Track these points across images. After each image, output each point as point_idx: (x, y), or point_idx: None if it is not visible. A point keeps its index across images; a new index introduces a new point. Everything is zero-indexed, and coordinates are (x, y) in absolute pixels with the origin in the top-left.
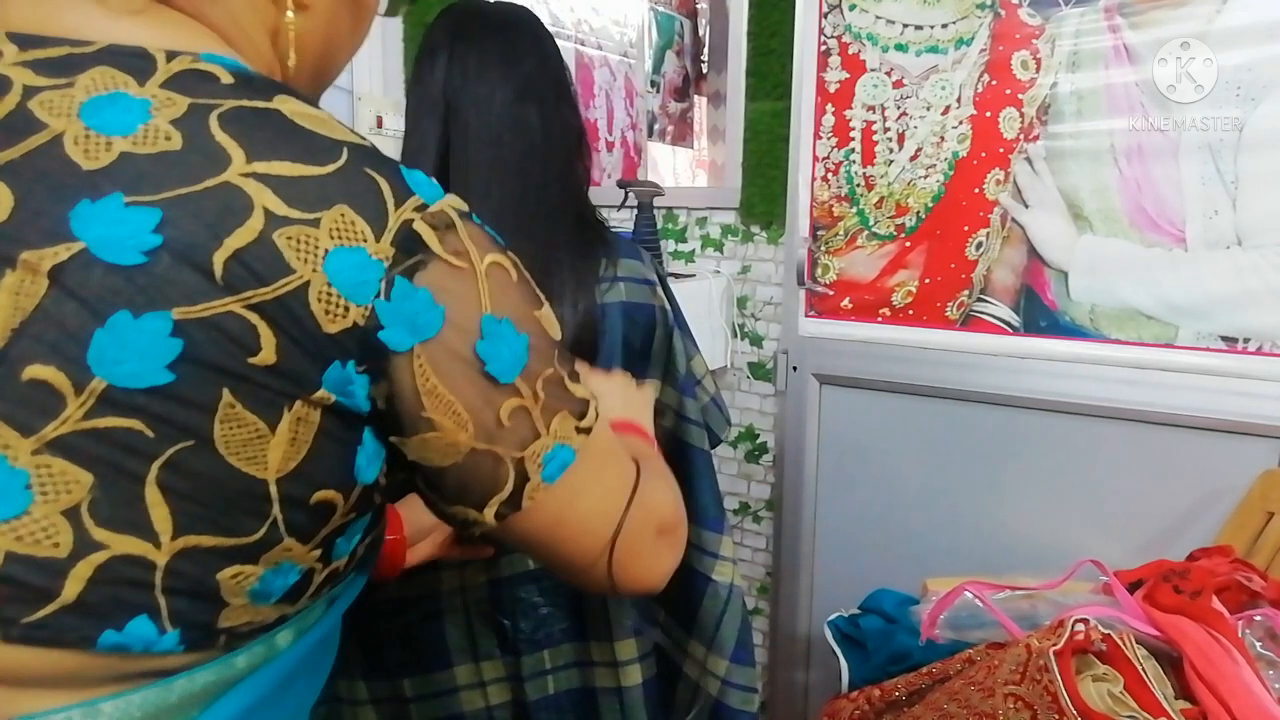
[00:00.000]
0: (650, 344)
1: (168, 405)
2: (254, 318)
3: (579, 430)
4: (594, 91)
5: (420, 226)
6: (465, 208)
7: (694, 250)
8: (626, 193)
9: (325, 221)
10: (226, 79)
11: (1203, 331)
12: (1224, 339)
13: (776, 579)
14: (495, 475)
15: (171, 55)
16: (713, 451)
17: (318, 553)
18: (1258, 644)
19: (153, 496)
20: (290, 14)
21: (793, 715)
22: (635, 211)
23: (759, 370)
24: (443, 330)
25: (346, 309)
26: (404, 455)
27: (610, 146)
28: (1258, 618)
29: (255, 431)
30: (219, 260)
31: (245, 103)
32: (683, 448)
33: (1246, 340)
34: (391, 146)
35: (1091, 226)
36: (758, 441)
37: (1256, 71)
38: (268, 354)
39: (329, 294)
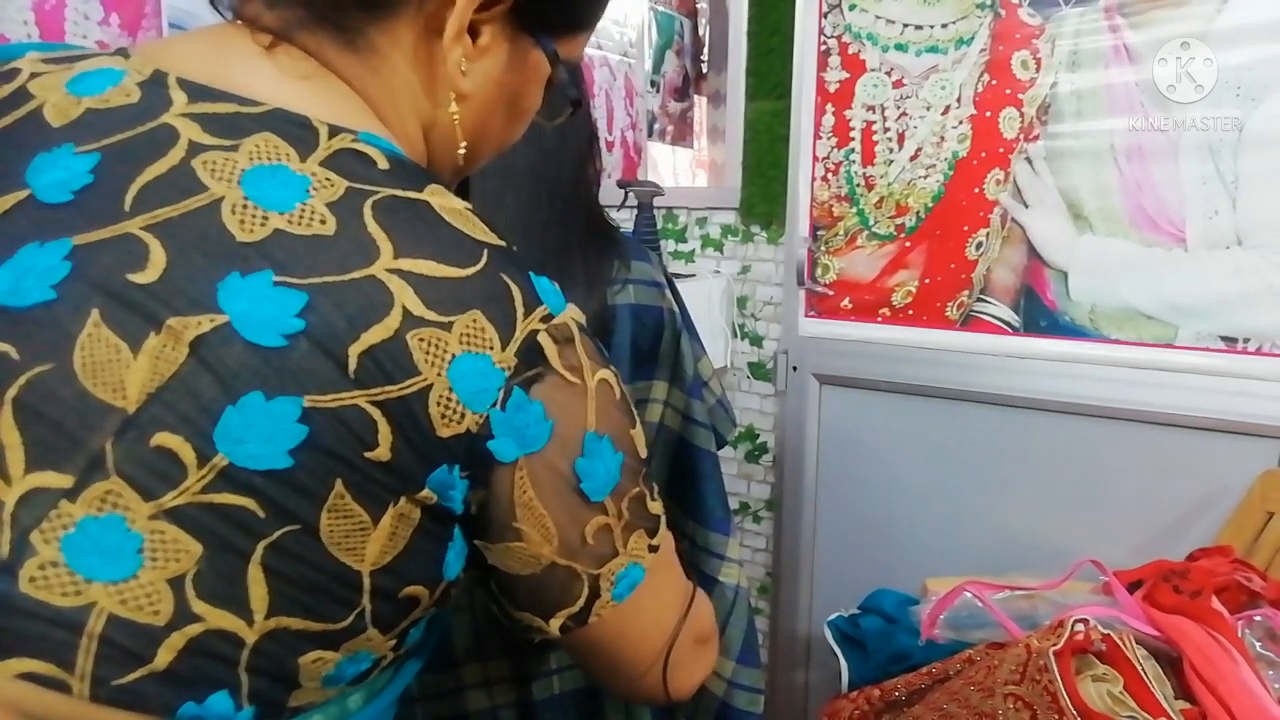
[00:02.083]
0: (658, 346)
1: (283, 489)
2: (376, 414)
3: (651, 548)
4: (594, 91)
5: (544, 339)
6: (584, 320)
7: (694, 250)
8: (626, 193)
9: (458, 326)
10: (383, 164)
11: (1203, 331)
12: (1224, 339)
13: (776, 579)
14: (570, 589)
15: (335, 131)
16: (717, 453)
17: (393, 643)
18: (1257, 644)
19: (254, 575)
20: (454, 106)
21: (793, 715)
22: (635, 211)
23: (759, 370)
24: (548, 444)
25: (463, 415)
26: (484, 558)
27: (610, 146)
28: (1257, 618)
29: (359, 524)
30: (354, 353)
31: (399, 192)
32: (689, 450)
33: (1246, 340)
34: None
35: (1091, 226)
36: (758, 441)
37: (1256, 71)
38: (383, 451)
39: (449, 399)
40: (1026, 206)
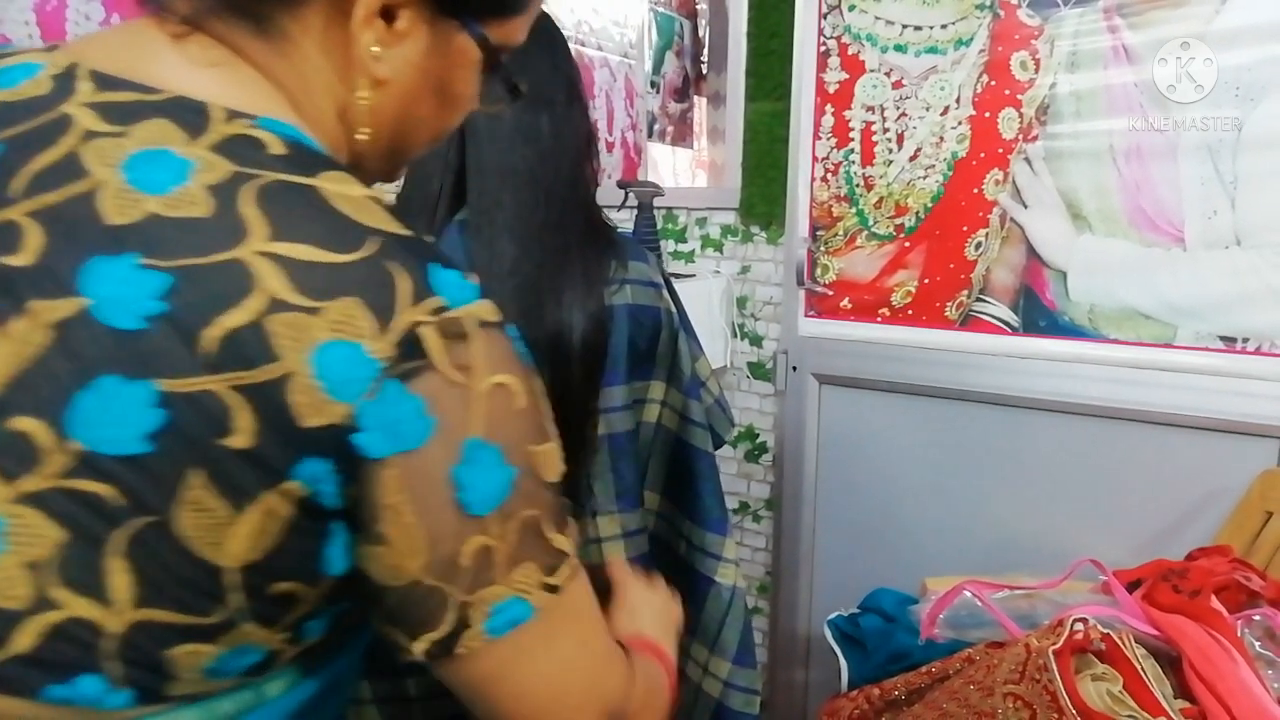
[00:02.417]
0: (656, 346)
1: (141, 477)
2: (235, 400)
3: (545, 587)
4: (594, 92)
5: (427, 331)
6: (495, 318)
7: (694, 250)
8: (626, 193)
9: (328, 312)
10: (277, 148)
11: (1201, 331)
12: (1223, 339)
13: (776, 578)
14: (434, 613)
15: (232, 115)
16: (714, 452)
17: (284, 636)
18: (1256, 643)
19: (116, 565)
20: (364, 90)
21: (792, 714)
22: (635, 212)
23: (759, 370)
24: (426, 444)
25: (328, 404)
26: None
27: (610, 147)
28: (1256, 617)
29: (221, 516)
30: (210, 337)
31: (286, 176)
32: (687, 450)
33: (1245, 340)
34: None
35: (1090, 226)
36: (758, 441)
37: (1256, 71)
38: (242, 438)
39: (312, 387)
40: (1025, 207)
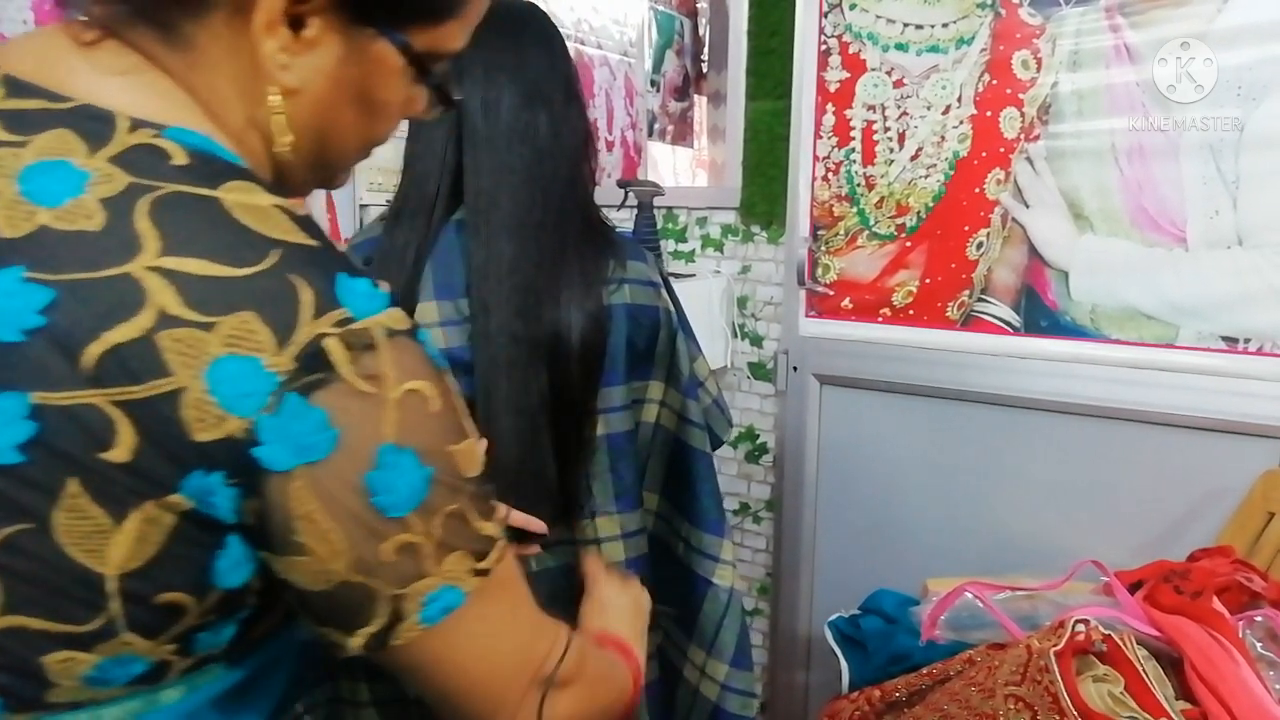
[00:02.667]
0: (654, 346)
1: (13, 485)
2: (116, 414)
3: (476, 572)
4: (594, 91)
5: (332, 343)
6: (404, 326)
7: (694, 250)
8: (626, 192)
9: (222, 327)
10: (180, 159)
11: (1203, 331)
12: (1225, 339)
13: (776, 579)
14: (368, 608)
15: (137, 125)
16: (713, 453)
17: (171, 647)
18: (1258, 644)
19: None
20: (274, 97)
21: (793, 716)
22: (635, 211)
23: (759, 370)
24: (333, 454)
25: (223, 419)
26: (274, 570)
27: (610, 146)
28: (1258, 618)
29: (97, 525)
30: (93, 352)
31: (186, 188)
32: (685, 450)
33: (1247, 340)
34: (392, 147)
35: (1092, 226)
36: (758, 442)
37: (1257, 71)
38: (121, 452)
39: (205, 402)
40: (1027, 206)
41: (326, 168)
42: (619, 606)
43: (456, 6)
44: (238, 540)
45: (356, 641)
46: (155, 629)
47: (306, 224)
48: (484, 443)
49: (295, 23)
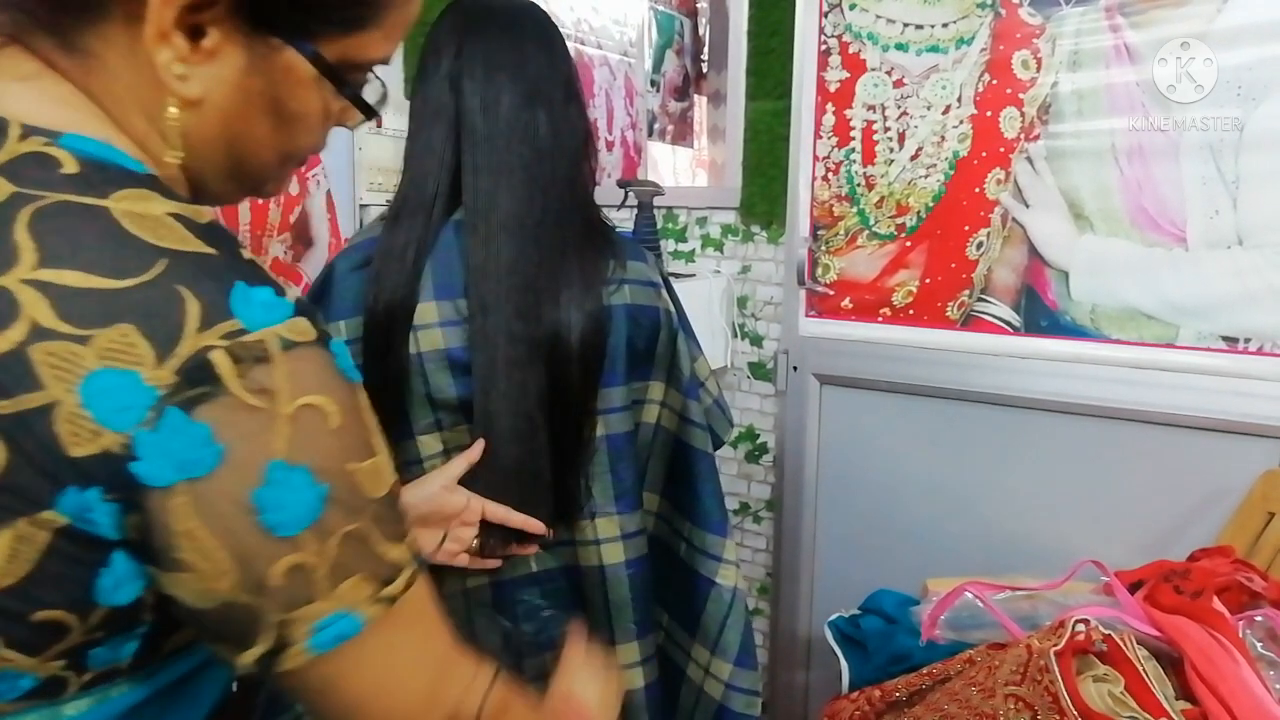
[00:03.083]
0: (654, 346)
1: None
2: None
3: (378, 599)
4: (594, 91)
5: (219, 356)
6: (305, 337)
7: (694, 250)
8: (626, 192)
9: (99, 340)
10: (70, 168)
11: (1203, 331)
12: (1225, 339)
13: (777, 579)
14: (251, 629)
15: (29, 132)
16: (714, 453)
17: (59, 664)
18: (1258, 644)
19: None
20: (171, 109)
21: (793, 715)
22: (635, 211)
23: (759, 370)
24: (217, 470)
25: (98, 434)
26: (160, 586)
27: (610, 146)
28: (1258, 618)
29: None
30: None
31: (73, 198)
32: (686, 451)
33: (1247, 340)
34: (392, 147)
35: (1092, 226)
36: (758, 442)
37: (1257, 71)
38: None
39: (79, 416)
40: (1027, 206)
41: (246, 178)
42: (590, 674)
43: (371, 16)
44: (123, 556)
45: (245, 661)
46: (36, 646)
47: (208, 231)
48: (388, 462)
49: (196, 32)
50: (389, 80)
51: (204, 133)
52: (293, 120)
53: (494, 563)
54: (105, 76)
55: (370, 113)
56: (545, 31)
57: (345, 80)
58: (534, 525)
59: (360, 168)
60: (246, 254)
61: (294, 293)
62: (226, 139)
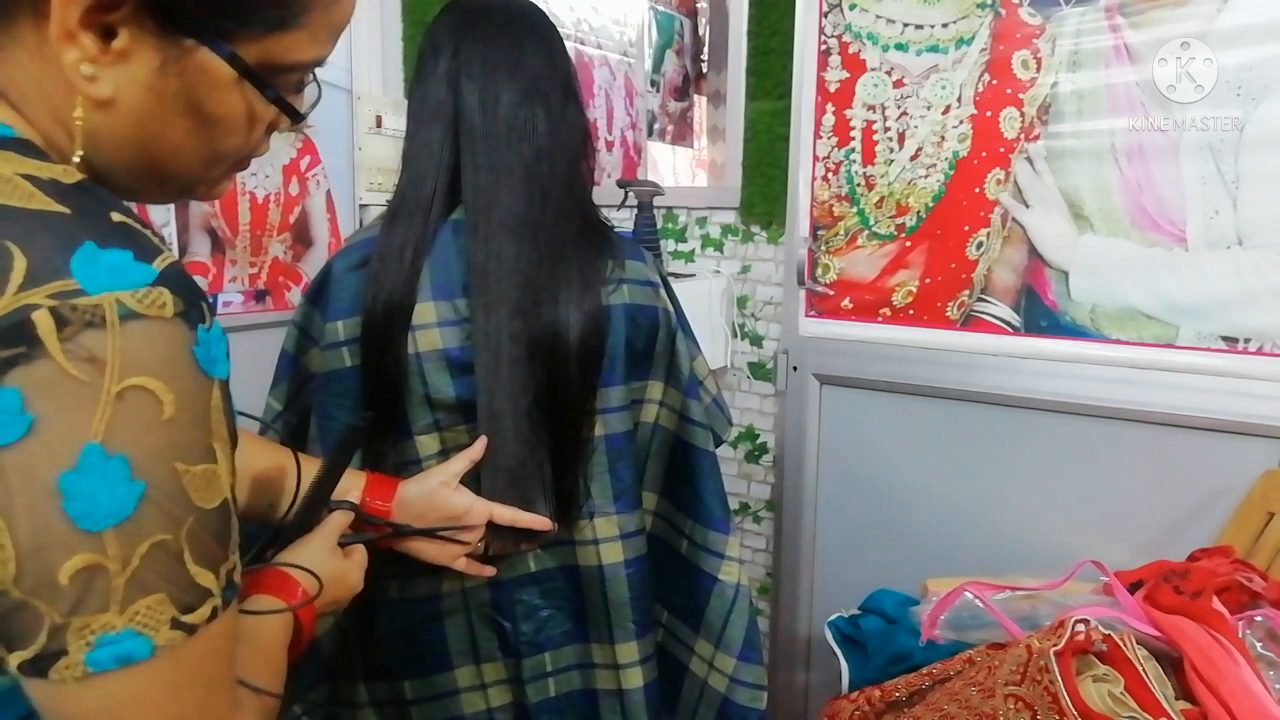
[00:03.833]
0: (653, 346)
1: None
2: None
3: (175, 624)
4: (594, 91)
5: (41, 316)
6: (155, 311)
7: (694, 250)
8: (626, 192)
9: None
10: None
11: (1203, 331)
12: (1225, 339)
13: (777, 579)
14: (26, 631)
15: None
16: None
17: None
18: (1258, 644)
19: None
20: (77, 111)
21: (793, 715)
22: (635, 211)
23: (759, 370)
24: (23, 442)
25: None
26: None
27: (610, 146)
28: (1258, 618)
29: None
30: None
31: None
32: (687, 449)
33: (1247, 340)
34: (392, 146)
35: (1092, 226)
36: (758, 441)
37: (1257, 71)
38: None
39: None
40: (1027, 206)
41: (168, 179)
42: (315, 548)
43: (290, 18)
44: None
45: (14, 659)
46: None
47: (69, 191)
48: (228, 476)
49: (107, 33)
50: (392, 81)
51: (115, 133)
52: (214, 123)
53: (490, 570)
54: (14, 71)
55: (296, 116)
56: (543, 30)
57: (268, 82)
58: (541, 522)
59: (360, 168)
60: (120, 218)
61: (171, 263)
62: (140, 140)
